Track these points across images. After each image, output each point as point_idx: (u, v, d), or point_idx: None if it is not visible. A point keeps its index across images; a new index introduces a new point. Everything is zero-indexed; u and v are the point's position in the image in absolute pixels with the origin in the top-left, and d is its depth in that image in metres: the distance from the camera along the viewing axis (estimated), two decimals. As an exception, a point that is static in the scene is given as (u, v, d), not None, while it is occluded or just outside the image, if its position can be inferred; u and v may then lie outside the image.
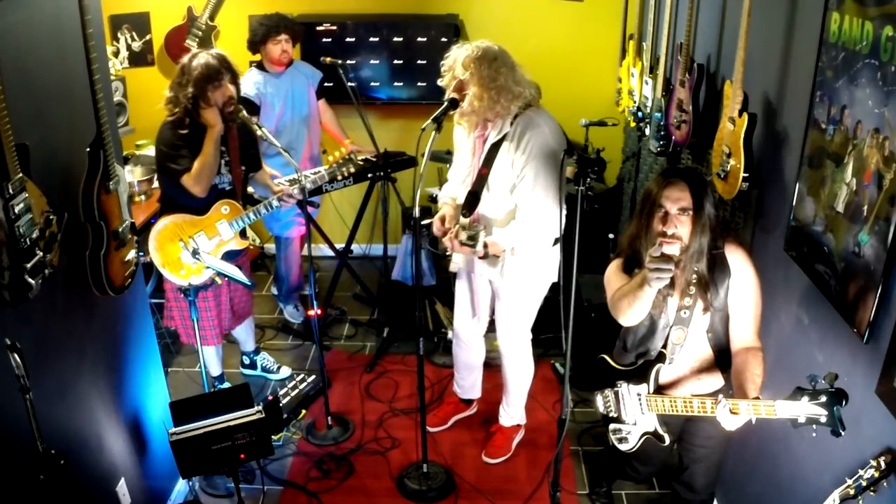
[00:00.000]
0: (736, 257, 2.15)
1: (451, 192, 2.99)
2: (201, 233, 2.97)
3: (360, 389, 3.72)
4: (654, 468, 2.73)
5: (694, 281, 2.14)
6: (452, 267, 3.06)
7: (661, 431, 2.29)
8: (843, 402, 1.74)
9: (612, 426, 2.40)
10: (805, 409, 1.79)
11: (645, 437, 2.33)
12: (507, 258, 2.82)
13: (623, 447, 2.39)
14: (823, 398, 1.76)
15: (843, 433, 1.75)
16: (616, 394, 2.34)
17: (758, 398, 1.94)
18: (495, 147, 2.71)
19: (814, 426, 1.79)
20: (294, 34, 3.83)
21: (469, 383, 3.41)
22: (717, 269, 2.14)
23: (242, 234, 3.12)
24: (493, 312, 3.15)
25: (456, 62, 2.59)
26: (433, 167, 4.46)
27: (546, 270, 2.93)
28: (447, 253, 2.92)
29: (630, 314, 2.16)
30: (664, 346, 2.24)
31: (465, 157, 2.86)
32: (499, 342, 3.14)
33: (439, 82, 2.73)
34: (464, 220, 2.81)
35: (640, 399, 2.28)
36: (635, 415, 2.31)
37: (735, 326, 2.17)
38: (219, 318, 3.24)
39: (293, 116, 3.92)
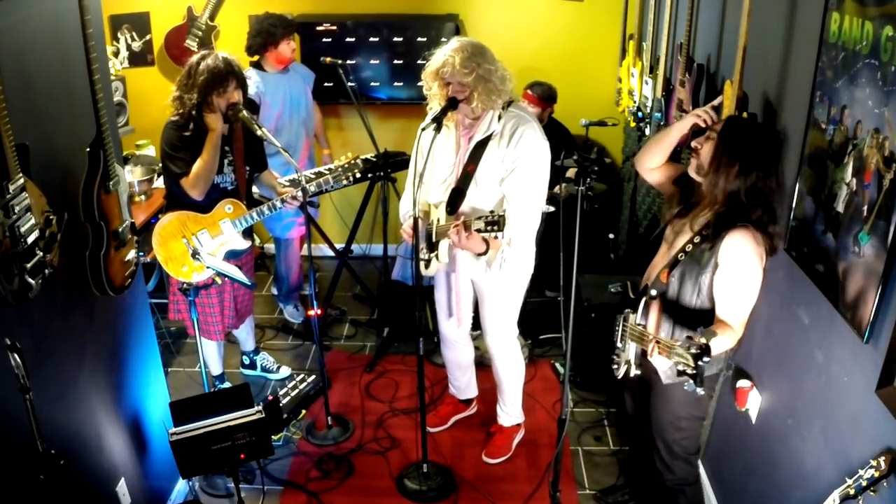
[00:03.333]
0: (733, 241, 2.11)
1: (420, 201, 2.78)
2: (204, 230, 2.97)
3: (360, 389, 3.72)
4: (633, 407, 2.70)
5: (702, 230, 2.18)
6: (430, 271, 2.95)
7: (633, 363, 2.35)
8: (702, 356, 1.88)
9: (614, 353, 2.44)
10: (685, 357, 1.91)
11: (627, 365, 2.37)
12: (505, 250, 2.81)
13: (616, 373, 2.43)
14: (694, 350, 1.89)
15: (698, 390, 1.94)
16: (625, 317, 2.36)
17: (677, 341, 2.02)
18: (481, 144, 2.70)
19: (685, 377, 1.93)
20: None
21: (463, 383, 3.41)
22: (715, 239, 2.15)
23: (247, 234, 3.13)
24: (475, 311, 3.14)
25: (454, 69, 2.56)
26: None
27: (529, 263, 2.94)
28: (426, 257, 2.87)
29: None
30: (651, 278, 2.31)
31: (443, 158, 2.82)
32: (487, 342, 3.13)
33: (426, 91, 2.70)
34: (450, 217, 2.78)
35: (627, 328, 2.33)
36: (625, 342, 2.35)
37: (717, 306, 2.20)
38: (222, 315, 3.24)
39: (291, 116, 3.92)
